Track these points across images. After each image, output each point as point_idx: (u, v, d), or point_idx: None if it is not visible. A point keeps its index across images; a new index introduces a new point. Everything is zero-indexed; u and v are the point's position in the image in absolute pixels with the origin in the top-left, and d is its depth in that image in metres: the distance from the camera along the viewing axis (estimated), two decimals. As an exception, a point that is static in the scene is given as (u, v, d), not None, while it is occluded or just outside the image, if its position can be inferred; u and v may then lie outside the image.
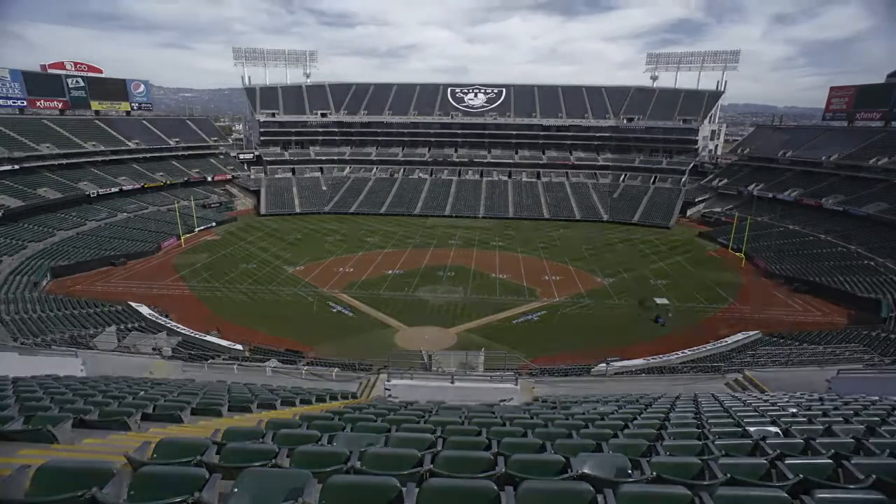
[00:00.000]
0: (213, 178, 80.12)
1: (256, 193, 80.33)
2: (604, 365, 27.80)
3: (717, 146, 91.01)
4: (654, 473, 4.86)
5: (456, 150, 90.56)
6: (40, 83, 67.77)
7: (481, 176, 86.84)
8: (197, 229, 61.71)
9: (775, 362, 26.55)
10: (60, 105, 70.29)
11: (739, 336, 33.00)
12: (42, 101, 68.09)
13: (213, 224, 65.82)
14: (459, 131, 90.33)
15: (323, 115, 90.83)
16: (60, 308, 34.52)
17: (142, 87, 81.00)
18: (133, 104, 79.53)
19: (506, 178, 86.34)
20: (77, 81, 71.54)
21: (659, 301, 39.89)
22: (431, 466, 4.88)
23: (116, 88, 77.38)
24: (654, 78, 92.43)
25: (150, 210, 65.49)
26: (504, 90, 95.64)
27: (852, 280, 42.17)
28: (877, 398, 12.22)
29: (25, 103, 66.27)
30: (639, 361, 29.02)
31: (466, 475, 4.72)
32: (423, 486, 4.07)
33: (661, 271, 49.72)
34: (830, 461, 5.16)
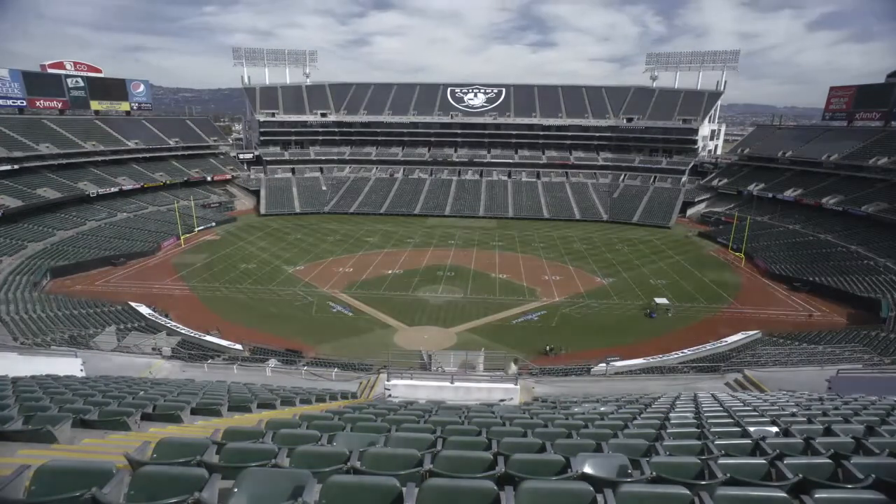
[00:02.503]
0: (212, 178, 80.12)
1: (256, 193, 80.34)
2: (604, 365, 27.81)
3: (716, 146, 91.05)
4: (654, 473, 4.86)
5: (456, 150, 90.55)
6: (40, 83, 67.71)
7: (481, 176, 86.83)
8: (197, 229, 61.71)
9: (775, 362, 26.56)
10: (60, 105, 70.24)
11: (739, 336, 33.01)
12: (42, 101, 68.02)
13: (213, 224, 65.82)
14: (459, 131, 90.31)
15: (323, 115, 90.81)
16: (60, 308, 34.51)
17: (141, 87, 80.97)
18: (133, 104, 79.49)
19: (506, 178, 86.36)
20: (77, 81, 71.50)
21: (659, 300, 39.92)
22: (431, 466, 4.88)
23: (116, 88, 77.33)
24: (654, 78, 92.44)
25: (150, 210, 65.49)
26: (504, 90, 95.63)
27: (852, 280, 42.18)
28: (876, 398, 12.22)
29: (25, 103, 66.18)
30: (639, 361, 29.03)
31: (466, 475, 4.72)
32: (423, 486, 4.06)
33: (661, 271, 49.73)
34: (830, 461, 5.15)
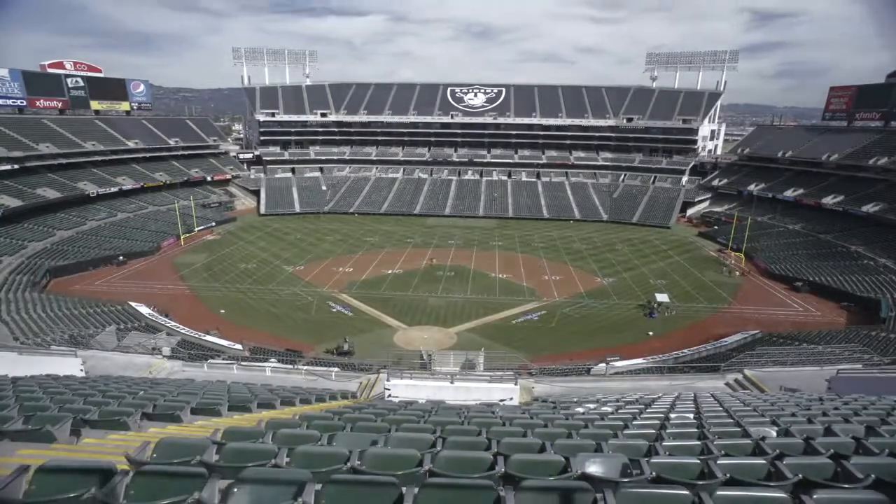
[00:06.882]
0: (212, 178, 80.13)
1: (256, 193, 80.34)
2: (604, 365, 27.81)
3: (716, 146, 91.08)
4: (655, 474, 4.85)
5: (456, 150, 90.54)
6: (40, 83, 67.69)
7: (481, 176, 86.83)
8: (197, 229, 61.69)
9: (775, 362, 26.54)
10: (60, 105, 70.23)
11: (739, 336, 33.01)
12: (42, 101, 68.02)
13: (213, 224, 65.80)
14: (459, 131, 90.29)
15: (323, 114, 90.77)
16: (60, 308, 34.50)
17: (141, 87, 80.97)
18: (133, 104, 79.49)
19: (505, 178, 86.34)
20: (76, 81, 71.48)
21: (660, 297, 39.84)
22: (431, 466, 4.88)
23: (116, 88, 77.35)
24: (654, 78, 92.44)
25: (150, 210, 65.48)
26: (504, 90, 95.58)
27: (852, 280, 42.18)
28: (876, 398, 12.21)
29: (25, 103, 66.18)
30: (639, 361, 29.03)
31: (466, 475, 4.72)
32: (423, 486, 4.06)
33: (661, 271, 49.73)
34: (830, 461, 5.15)
